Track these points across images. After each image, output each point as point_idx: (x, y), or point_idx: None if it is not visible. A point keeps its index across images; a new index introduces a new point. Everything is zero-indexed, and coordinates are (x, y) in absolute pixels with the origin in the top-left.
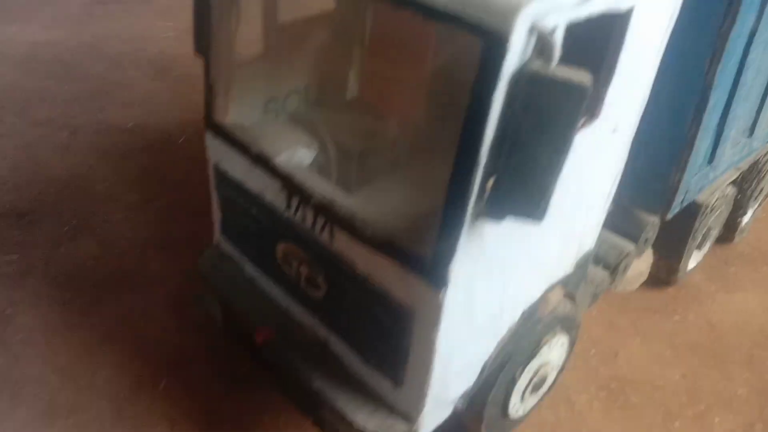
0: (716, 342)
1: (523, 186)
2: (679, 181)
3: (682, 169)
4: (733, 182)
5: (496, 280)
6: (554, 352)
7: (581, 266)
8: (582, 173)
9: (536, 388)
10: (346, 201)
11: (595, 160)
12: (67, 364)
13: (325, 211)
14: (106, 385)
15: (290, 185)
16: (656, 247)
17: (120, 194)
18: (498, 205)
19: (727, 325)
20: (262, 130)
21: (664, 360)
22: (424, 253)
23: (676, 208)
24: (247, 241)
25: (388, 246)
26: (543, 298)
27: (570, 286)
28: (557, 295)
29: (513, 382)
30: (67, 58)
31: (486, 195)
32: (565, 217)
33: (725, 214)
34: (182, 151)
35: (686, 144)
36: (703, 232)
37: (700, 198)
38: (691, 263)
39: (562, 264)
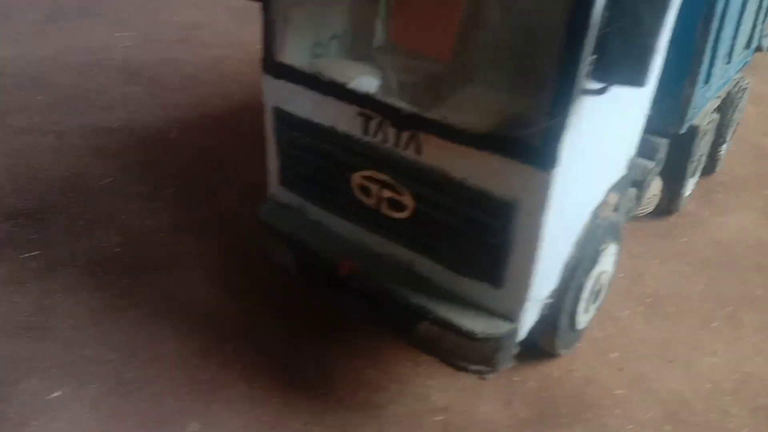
0: (724, 255)
1: (628, 50)
2: (691, 95)
3: (693, 83)
4: (716, 109)
5: (585, 168)
6: (608, 260)
7: (630, 169)
8: None
9: (595, 298)
10: (434, 109)
11: None
12: (124, 342)
13: (414, 122)
14: (171, 356)
15: (370, 106)
16: (661, 175)
17: (126, 187)
18: (604, 73)
19: (729, 241)
20: (322, 66)
21: (684, 275)
22: (531, 137)
23: (687, 123)
24: (312, 183)
25: (490, 140)
26: (604, 200)
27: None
28: (614, 198)
29: (581, 290)
30: (32, 71)
31: (592, 65)
32: (631, 107)
33: (710, 141)
34: (176, 143)
35: (696, 55)
36: (696, 158)
37: (696, 121)
38: (687, 191)
39: (619, 164)
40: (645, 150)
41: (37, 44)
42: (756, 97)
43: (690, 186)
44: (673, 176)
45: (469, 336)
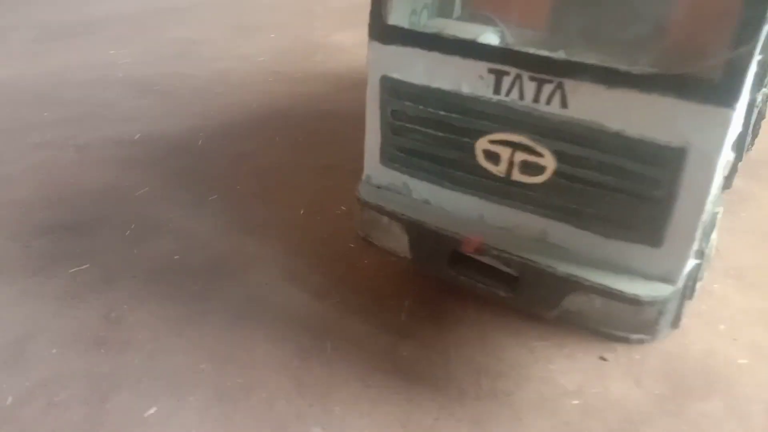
0: None
1: None
2: None
3: None
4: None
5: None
6: (717, 223)
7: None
8: None
9: (707, 266)
10: (585, 55)
11: None
12: (214, 349)
13: (564, 70)
14: (269, 360)
15: (506, 60)
16: None
17: (166, 196)
18: None
19: None
20: (436, 26)
21: (757, 248)
22: (712, 72)
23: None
24: (422, 157)
25: (659, 80)
26: (727, 161)
27: None
28: (732, 155)
29: (702, 256)
30: (34, 89)
31: None
32: None
33: (756, 117)
34: (206, 151)
35: None
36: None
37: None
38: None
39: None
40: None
41: (35, 63)
42: None
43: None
44: (737, 148)
45: (633, 301)
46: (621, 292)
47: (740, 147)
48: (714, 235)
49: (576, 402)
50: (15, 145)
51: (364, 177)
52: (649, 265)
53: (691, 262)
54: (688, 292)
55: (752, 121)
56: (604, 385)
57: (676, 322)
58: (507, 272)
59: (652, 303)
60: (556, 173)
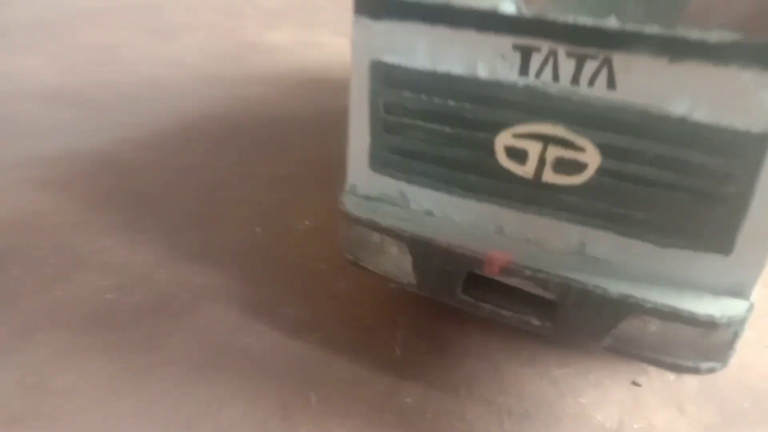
0: None
1: None
2: None
3: None
4: None
5: None
6: None
7: None
8: None
9: None
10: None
11: None
12: (168, 416)
13: (615, 42)
14: (240, 423)
15: (534, 33)
16: None
17: (91, 221)
18: None
19: None
20: None
21: None
22: None
23: None
24: (424, 159)
25: (738, 50)
26: None
27: None
28: None
29: None
30: None
31: None
32: None
33: None
34: (137, 167)
35: None
36: None
37: None
38: None
39: None
40: None
41: None
42: None
43: None
44: None
45: (707, 324)
46: (691, 313)
47: None
48: None
49: None
50: None
51: (347, 187)
52: (716, 278)
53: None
54: None
55: None
56: (645, 417)
57: None
58: (539, 296)
59: (728, 324)
60: (601, 171)
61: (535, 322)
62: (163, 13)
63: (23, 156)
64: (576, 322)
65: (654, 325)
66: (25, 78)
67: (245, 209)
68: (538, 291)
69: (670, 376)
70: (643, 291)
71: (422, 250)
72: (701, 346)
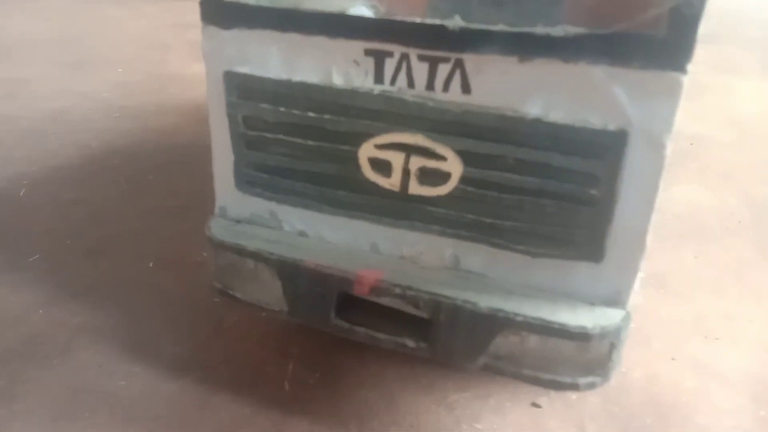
0: (692, 226)
1: None
2: None
3: None
4: None
5: None
6: None
7: None
8: None
9: None
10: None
11: None
12: None
13: (463, 42)
14: None
15: (389, 35)
16: None
17: None
18: None
19: (688, 212)
20: (290, 2)
21: (669, 250)
22: (656, 28)
23: None
24: (291, 175)
25: (587, 43)
26: None
27: None
28: None
29: None
30: None
31: None
32: None
33: None
34: (30, 202)
35: None
36: None
37: None
38: None
39: None
40: None
41: None
42: None
43: None
44: None
45: (580, 336)
46: (563, 325)
47: None
48: None
49: None
50: None
51: (216, 210)
52: (589, 286)
53: (639, 277)
54: None
55: None
56: None
57: None
58: (415, 316)
59: (602, 335)
60: (464, 180)
61: (411, 344)
62: (83, 47)
63: None
64: (450, 342)
65: (528, 341)
66: None
67: (140, 243)
68: (411, 310)
69: (572, 395)
70: (514, 304)
71: (291, 273)
72: (578, 360)
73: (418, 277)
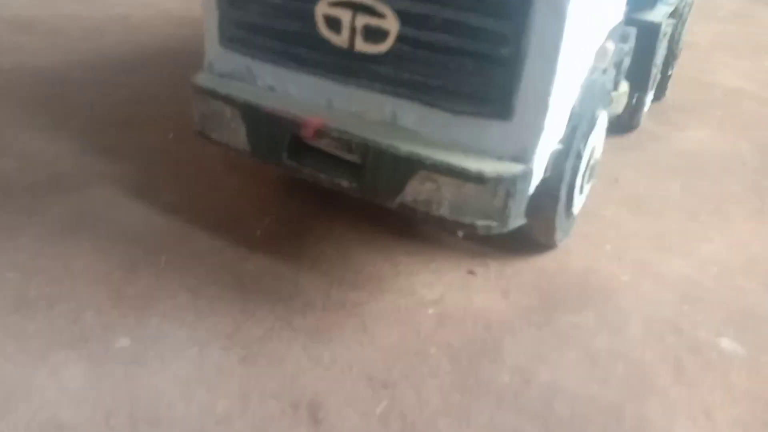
0: (691, 162)
1: None
2: None
3: None
4: (671, 14)
5: None
6: (600, 132)
7: (621, 23)
8: None
9: (589, 177)
10: None
11: None
12: (26, 260)
13: None
14: (88, 272)
15: None
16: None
17: (24, 120)
18: None
19: (692, 151)
20: None
21: (658, 179)
22: None
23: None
24: (264, 32)
25: None
26: (603, 47)
27: None
28: (612, 47)
29: (579, 158)
30: None
31: None
32: None
33: (665, 52)
34: (82, 81)
35: None
36: (657, 64)
37: (658, 18)
38: (646, 106)
39: (617, 7)
40: (616, 37)
41: None
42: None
43: (648, 101)
44: (638, 79)
45: (477, 179)
46: (464, 169)
47: (643, 81)
48: (596, 141)
49: (431, 311)
50: None
51: (205, 65)
52: (500, 143)
53: (549, 143)
54: (565, 197)
55: (660, 60)
56: (467, 296)
57: (550, 234)
58: (351, 162)
59: (497, 180)
60: (400, 38)
61: (345, 183)
62: None
63: None
64: (375, 181)
65: (437, 185)
66: (4, 8)
67: (166, 120)
68: (346, 155)
69: (508, 270)
70: (429, 152)
71: (253, 116)
72: (477, 204)
73: (353, 125)
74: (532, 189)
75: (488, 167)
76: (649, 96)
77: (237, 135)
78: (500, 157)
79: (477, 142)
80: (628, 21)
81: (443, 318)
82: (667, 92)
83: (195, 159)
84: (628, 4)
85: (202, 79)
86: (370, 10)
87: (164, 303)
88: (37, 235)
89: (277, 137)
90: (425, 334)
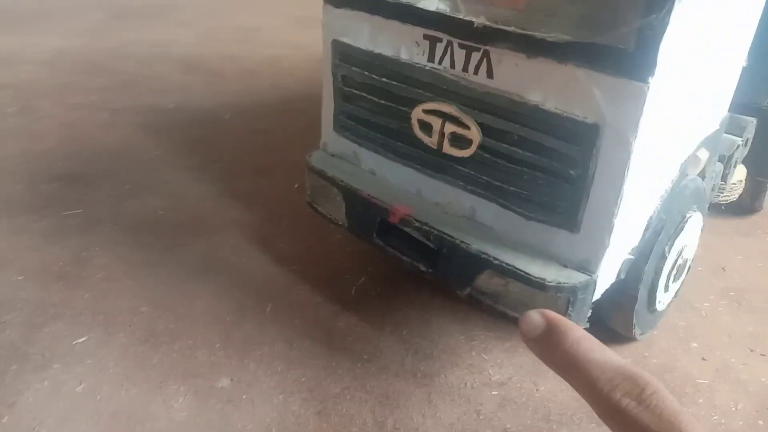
0: None
1: None
2: None
3: None
4: None
5: (681, 93)
6: (693, 232)
7: (719, 130)
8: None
9: (677, 275)
10: (509, 23)
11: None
12: (159, 296)
13: (484, 36)
14: (206, 312)
15: (437, 25)
16: (745, 163)
17: (175, 160)
18: None
19: None
20: None
21: None
22: (622, 41)
23: None
24: (368, 125)
25: (573, 48)
26: (694, 156)
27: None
28: (705, 155)
29: (663, 259)
30: (94, 58)
31: None
32: (729, 51)
33: None
34: (229, 125)
35: None
36: None
37: None
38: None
39: (714, 115)
40: (732, 128)
41: (101, 37)
42: None
43: None
44: (759, 165)
45: (539, 285)
46: (527, 274)
47: (764, 166)
48: (686, 241)
49: (495, 393)
50: (58, 103)
51: (321, 144)
52: (567, 252)
53: (619, 254)
54: (646, 296)
55: None
56: (533, 381)
57: (628, 328)
58: (431, 248)
59: (558, 288)
60: (481, 147)
61: (423, 267)
62: (313, 4)
63: (146, 105)
64: (448, 271)
65: (507, 284)
66: (172, 47)
67: (295, 169)
68: (426, 242)
69: None
70: (498, 252)
71: (351, 197)
72: (539, 305)
73: (437, 219)
74: (598, 295)
75: (550, 274)
76: None
77: (338, 211)
78: (566, 265)
79: (546, 247)
80: (746, 110)
81: (506, 401)
82: None
83: (311, 211)
84: (746, 92)
85: (315, 158)
86: (457, 121)
87: (263, 350)
88: (172, 273)
89: (369, 218)
90: (485, 416)
